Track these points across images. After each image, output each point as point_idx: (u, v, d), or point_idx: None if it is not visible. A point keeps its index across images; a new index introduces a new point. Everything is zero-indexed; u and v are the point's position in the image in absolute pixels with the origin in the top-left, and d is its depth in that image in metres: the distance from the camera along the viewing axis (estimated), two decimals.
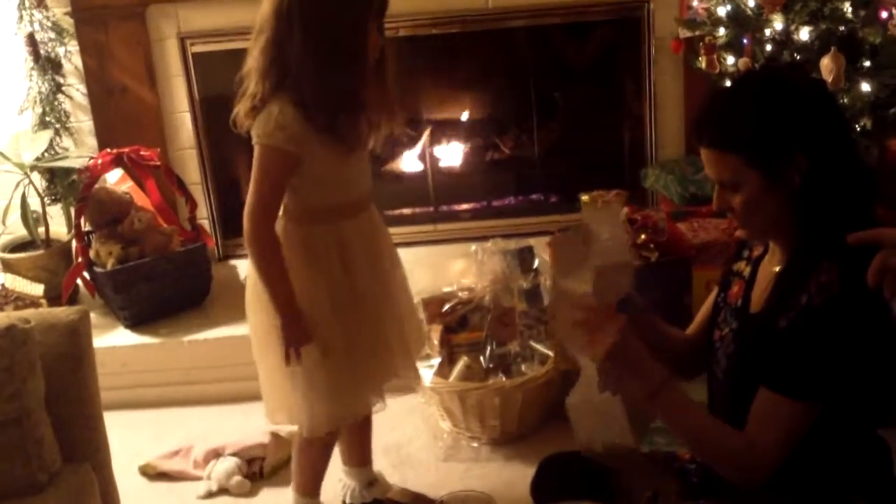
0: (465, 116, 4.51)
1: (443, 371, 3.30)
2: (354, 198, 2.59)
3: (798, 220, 1.98)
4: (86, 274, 3.77)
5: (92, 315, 2.61)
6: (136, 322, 3.72)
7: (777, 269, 2.06)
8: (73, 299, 3.85)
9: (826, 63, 3.12)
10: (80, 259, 3.74)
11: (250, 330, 2.69)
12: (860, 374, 1.93)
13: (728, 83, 3.51)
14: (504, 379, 3.25)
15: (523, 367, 3.30)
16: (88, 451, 2.52)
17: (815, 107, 1.96)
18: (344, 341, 2.58)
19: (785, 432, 1.93)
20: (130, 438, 3.42)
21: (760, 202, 1.96)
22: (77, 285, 3.87)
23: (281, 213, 2.57)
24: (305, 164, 2.45)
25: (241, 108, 2.45)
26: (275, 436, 3.23)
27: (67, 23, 3.95)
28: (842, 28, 3.20)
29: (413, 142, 4.39)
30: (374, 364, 2.65)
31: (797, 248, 2.01)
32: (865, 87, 3.19)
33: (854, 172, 1.99)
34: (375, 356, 2.65)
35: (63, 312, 2.54)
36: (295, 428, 2.77)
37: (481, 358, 3.33)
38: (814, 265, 1.93)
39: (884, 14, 3.16)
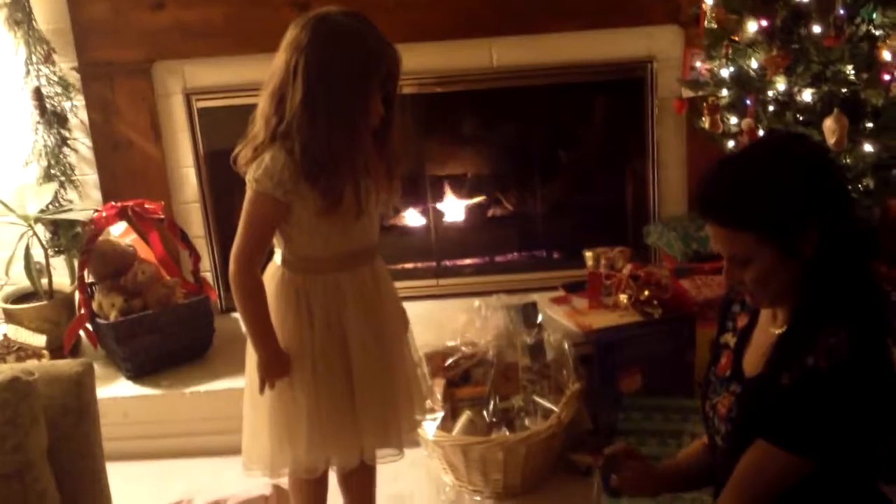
0: (468, 173, 4.52)
1: (446, 425, 3.29)
2: (353, 250, 2.61)
3: (805, 286, 1.99)
4: (88, 325, 3.77)
5: (94, 366, 2.60)
6: (139, 373, 3.72)
7: (779, 331, 2.06)
8: (75, 351, 3.84)
9: (829, 124, 3.14)
10: (83, 310, 3.75)
11: (245, 378, 2.73)
12: (862, 437, 1.93)
13: (731, 150, 3.53)
14: (507, 433, 3.24)
15: (527, 422, 3.29)
16: (90, 503, 2.51)
17: (821, 178, 1.96)
18: (316, 392, 2.60)
19: (767, 483, 1.94)
20: (132, 490, 3.40)
21: (773, 274, 1.96)
22: (79, 336, 3.87)
23: (278, 260, 2.62)
24: (296, 213, 2.49)
25: (243, 151, 2.50)
26: (276, 488, 3.20)
27: (74, 78, 3.99)
28: (844, 90, 3.22)
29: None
30: (346, 420, 2.64)
31: (798, 310, 2.01)
32: (868, 147, 3.20)
33: (857, 236, 2.01)
34: (352, 411, 2.64)
35: (67, 365, 2.53)
36: None
37: (484, 412, 3.33)
38: (818, 327, 1.93)
39: (886, 76, 3.17)
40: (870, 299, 1.99)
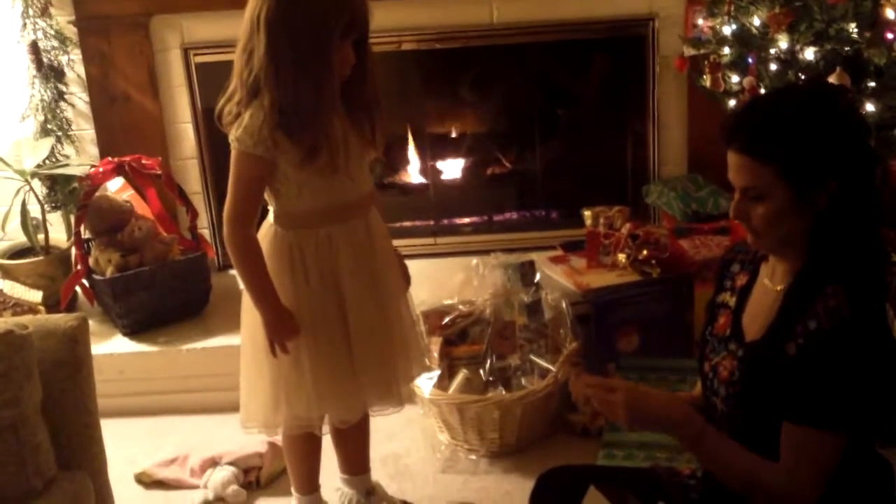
0: (467, 130, 4.50)
1: (442, 383, 3.29)
2: (344, 202, 2.59)
3: (811, 240, 1.97)
4: (85, 281, 3.77)
5: (90, 322, 2.60)
6: (135, 330, 3.71)
7: (779, 287, 2.04)
8: (71, 306, 3.83)
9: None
10: (79, 266, 3.74)
11: (241, 334, 2.73)
12: (874, 397, 1.92)
13: (733, 107, 3.51)
14: (504, 392, 3.24)
15: (523, 381, 3.29)
16: (85, 458, 2.51)
17: (853, 134, 1.95)
18: (316, 348, 2.59)
19: (819, 463, 1.93)
20: (127, 446, 3.41)
21: (783, 216, 1.95)
22: (76, 292, 3.87)
23: (271, 217, 2.61)
24: (281, 168, 2.48)
25: (225, 108, 2.49)
26: (272, 445, 3.21)
27: (71, 32, 3.95)
28: (847, 49, 3.20)
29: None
30: (345, 375, 2.64)
31: (800, 272, 2.00)
32: (870, 107, 3.18)
33: (873, 199, 1.99)
34: (351, 367, 2.64)
35: (62, 319, 2.53)
36: None
37: (481, 371, 3.33)
38: (818, 289, 1.93)
39: (889, 35, 3.16)
40: (871, 261, 1.98)
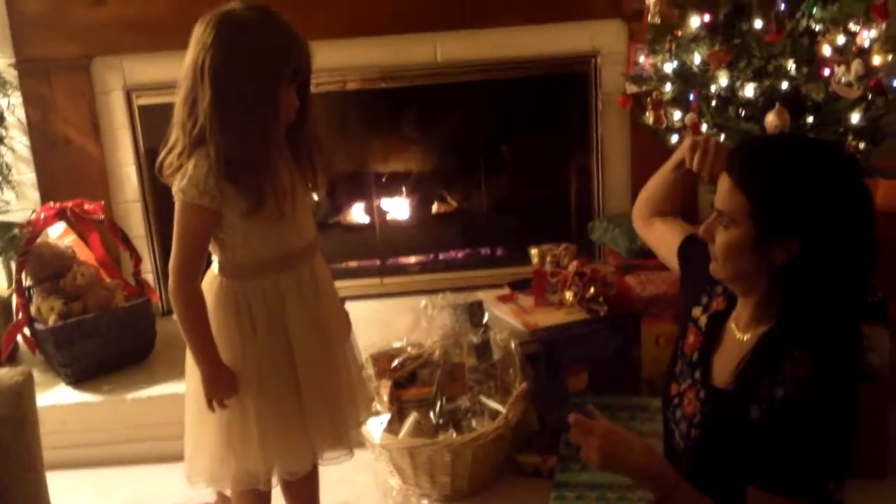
0: (412, 169, 4.50)
1: (392, 427, 3.26)
2: (291, 250, 2.56)
3: (774, 294, 1.99)
4: (26, 330, 3.69)
5: (33, 374, 2.55)
6: (78, 379, 3.64)
7: (744, 337, 2.06)
8: (12, 356, 3.77)
9: (771, 119, 3.16)
10: (20, 315, 3.67)
11: (186, 386, 2.69)
12: (837, 460, 1.95)
13: (674, 145, 3.54)
14: (454, 435, 3.22)
15: (474, 423, 3.28)
16: None
17: (836, 200, 1.92)
18: (263, 399, 2.56)
19: None
20: (73, 500, 3.35)
21: (740, 251, 1.98)
22: (17, 342, 3.79)
23: (215, 268, 2.57)
24: (227, 218, 2.44)
25: (167, 160, 2.45)
26: (221, 496, 3.16)
27: (11, 74, 3.91)
28: (785, 85, 3.25)
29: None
30: (294, 426, 2.61)
31: (768, 331, 2.01)
32: None
33: (845, 274, 1.97)
34: (300, 417, 2.60)
35: (6, 374, 2.47)
36: None
37: (431, 414, 3.31)
38: (786, 351, 1.93)
39: (826, 71, 3.21)
40: (841, 328, 1.98)
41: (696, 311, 2.24)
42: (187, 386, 2.68)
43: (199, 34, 2.36)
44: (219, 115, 2.34)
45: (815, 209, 1.91)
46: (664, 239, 2.50)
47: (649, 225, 2.58)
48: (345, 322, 2.78)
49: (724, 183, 2.01)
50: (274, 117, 2.40)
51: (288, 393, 2.58)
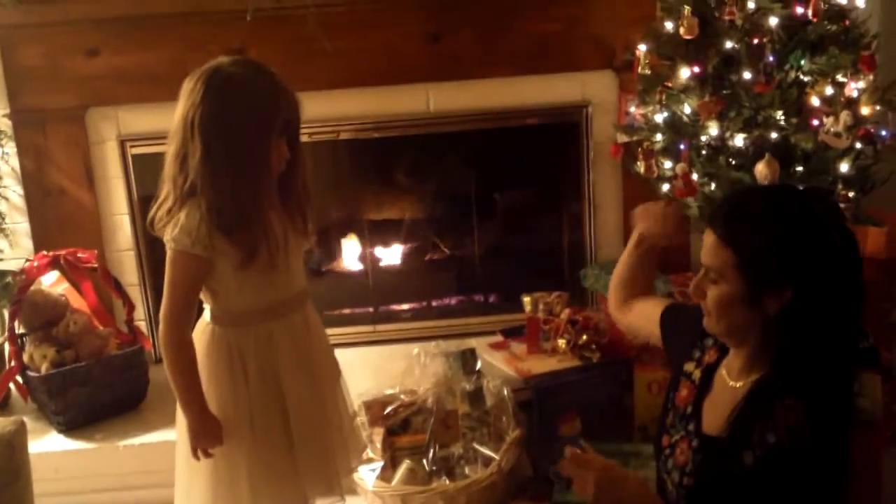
0: (405, 217, 4.52)
1: (385, 475, 3.26)
2: (283, 298, 2.58)
3: (767, 342, 2.00)
4: (19, 378, 3.68)
5: (26, 423, 2.55)
6: (71, 427, 3.63)
7: (737, 385, 2.07)
8: (5, 403, 3.76)
9: (761, 168, 3.19)
10: (13, 363, 3.66)
11: (177, 433, 2.69)
12: None
13: (665, 194, 3.57)
14: (448, 482, 3.21)
15: (467, 470, 3.27)
16: None
17: (823, 245, 1.95)
18: (255, 447, 2.57)
19: None
20: None
21: (733, 306, 1.98)
22: (9, 389, 3.78)
23: (207, 316, 2.58)
24: (219, 267, 2.46)
25: (158, 214, 2.47)
26: None
27: (5, 124, 3.93)
28: (775, 135, 3.28)
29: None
30: (285, 474, 2.61)
31: (761, 378, 2.02)
32: None
33: (838, 318, 1.99)
34: (291, 465, 2.61)
35: None
36: None
37: (424, 461, 3.30)
38: (778, 398, 1.94)
39: (815, 122, 3.25)
40: (833, 374, 1.99)
41: (689, 366, 2.25)
42: (178, 432, 2.67)
43: (188, 90, 2.39)
44: (209, 171, 2.36)
45: (803, 255, 1.93)
46: (644, 313, 2.52)
47: (627, 309, 2.60)
48: (335, 368, 2.79)
49: (708, 238, 2.02)
50: (264, 172, 2.42)
51: (279, 440, 2.58)
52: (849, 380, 2.06)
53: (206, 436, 2.52)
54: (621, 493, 2.06)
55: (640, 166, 3.63)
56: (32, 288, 3.67)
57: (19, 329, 3.69)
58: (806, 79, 3.31)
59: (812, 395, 1.93)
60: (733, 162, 3.36)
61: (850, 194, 3.28)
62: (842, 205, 3.28)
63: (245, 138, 2.36)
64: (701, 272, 2.05)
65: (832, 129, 3.22)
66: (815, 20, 3.26)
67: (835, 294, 1.96)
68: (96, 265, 3.76)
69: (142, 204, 4.06)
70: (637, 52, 3.63)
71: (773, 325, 1.97)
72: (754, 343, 2.03)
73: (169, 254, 2.45)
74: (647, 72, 3.57)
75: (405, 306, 4.51)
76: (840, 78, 3.28)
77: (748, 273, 1.95)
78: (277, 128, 2.41)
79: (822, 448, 1.90)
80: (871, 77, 3.30)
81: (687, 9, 3.37)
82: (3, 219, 3.98)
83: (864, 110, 3.25)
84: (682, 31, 3.39)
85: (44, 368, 3.57)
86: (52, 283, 3.86)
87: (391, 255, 4.51)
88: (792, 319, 1.94)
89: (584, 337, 3.60)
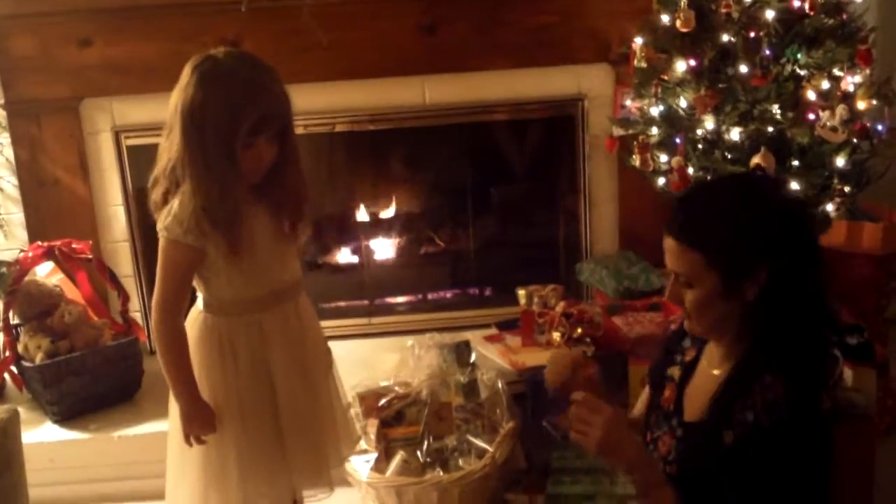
0: (400, 210, 4.52)
1: (379, 466, 3.25)
2: (275, 289, 2.58)
3: (746, 327, 2.01)
4: (13, 368, 3.69)
5: (20, 411, 2.55)
6: (66, 417, 3.63)
7: (717, 372, 2.08)
8: None
9: (756, 162, 3.19)
10: (7, 353, 3.66)
11: (170, 422, 2.69)
12: (810, 488, 1.95)
13: (662, 187, 3.58)
14: (441, 473, 3.21)
15: (461, 462, 3.27)
16: None
17: (785, 224, 1.97)
18: (245, 436, 2.57)
19: None
20: None
21: (712, 303, 1.99)
22: (4, 379, 3.78)
23: (200, 304, 2.59)
24: (210, 256, 2.45)
25: (152, 195, 2.47)
26: None
27: (0, 115, 3.92)
28: (771, 129, 3.28)
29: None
30: (274, 463, 2.61)
31: (740, 360, 2.03)
32: (794, 185, 3.26)
33: (811, 289, 2.01)
34: (280, 454, 2.61)
35: None
36: None
37: (418, 452, 3.30)
38: (757, 376, 1.95)
39: (811, 116, 3.25)
40: (810, 351, 2.00)
41: (673, 370, 2.26)
42: (170, 421, 2.67)
43: (183, 74, 2.39)
44: (188, 161, 2.36)
45: (767, 232, 1.95)
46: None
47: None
48: (327, 357, 2.79)
49: (669, 244, 2.02)
50: (231, 169, 2.38)
51: (269, 429, 2.59)
52: (825, 353, 2.07)
53: (198, 422, 2.52)
54: (625, 442, 2.06)
55: (636, 160, 3.63)
56: (27, 278, 3.67)
57: (14, 320, 3.69)
58: (802, 73, 3.31)
59: (790, 370, 1.93)
60: (729, 156, 3.36)
61: (846, 189, 3.29)
62: (837, 199, 3.30)
63: (217, 131, 2.34)
64: (672, 278, 2.05)
65: (828, 124, 3.22)
66: (811, 14, 3.27)
67: (805, 260, 1.98)
68: (91, 256, 3.76)
69: (136, 195, 4.05)
70: (633, 45, 3.62)
71: (752, 310, 1.98)
72: (734, 331, 2.04)
73: (161, 242, 2.45)
74: (644, 65, 3.57)
75: (400, 299, 4.51)
76: (836, 72, 3.29)
77: (720, 268, 1.96)
78: (248, 123, 2.36)
79: (801, 424, 1.91)
80: (867, 71, 3.30)
81: (683, 2, 3.37)
82: None
83: (861, 105, 3.25)
84: (678, 24, 3.39)
85: (38, 359, 3.57)
86: (46, 273, 3.86)
87: (386, 247, 4.50)
88: (772, 298, 1.95)
89: (579, 330, 3.60)
